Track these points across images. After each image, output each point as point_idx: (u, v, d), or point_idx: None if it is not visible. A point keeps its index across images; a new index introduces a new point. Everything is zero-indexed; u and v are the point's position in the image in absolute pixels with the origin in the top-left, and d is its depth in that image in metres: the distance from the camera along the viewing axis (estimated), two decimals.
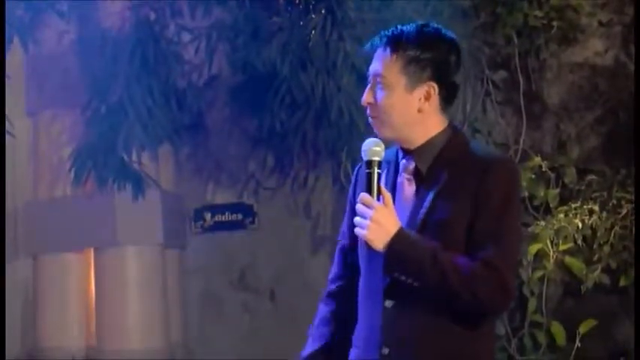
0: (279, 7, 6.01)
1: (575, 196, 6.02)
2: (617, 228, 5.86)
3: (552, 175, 6.07)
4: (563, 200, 6.03)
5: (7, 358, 6.52)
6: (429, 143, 3.36)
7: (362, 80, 5.75)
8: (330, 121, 5.84)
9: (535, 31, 6.13)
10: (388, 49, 3.33)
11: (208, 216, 6.69)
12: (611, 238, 5.86)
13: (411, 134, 3.36)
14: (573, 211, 5.91)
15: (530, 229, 5.92)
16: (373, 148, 3.28)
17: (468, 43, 6.03)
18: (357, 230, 3.25)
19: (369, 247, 3.24)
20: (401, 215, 3.27)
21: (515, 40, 6.18)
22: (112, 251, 6.67)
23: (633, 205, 5.83)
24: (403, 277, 3.22)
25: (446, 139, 3.37)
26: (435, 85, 3.32)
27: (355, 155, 5.85)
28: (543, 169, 6.02)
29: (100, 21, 6.44)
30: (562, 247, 5.86)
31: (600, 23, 6.19)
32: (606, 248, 5.87)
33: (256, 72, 5.96)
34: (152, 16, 6.27)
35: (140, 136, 6.21)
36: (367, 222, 3.21)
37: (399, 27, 3.36)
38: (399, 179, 3.37)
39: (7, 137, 5.99)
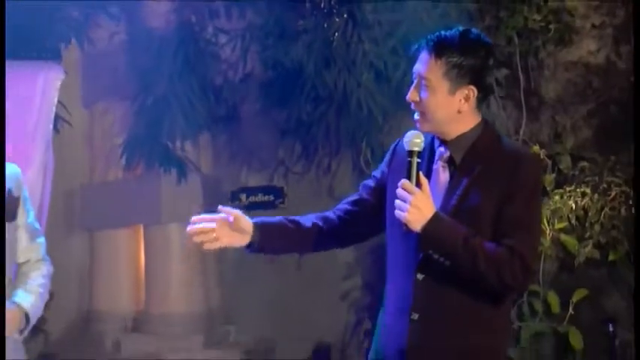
0: (305, 11, 5.96)
1: (570, 180, 5.96)
2: (606, 209, 5.82)
3: (549, 162, 5.97)
4: (559, 184, 5.96)
5: (64, 320, 6.62)
6: (464, 136, 3.35)
7: (379, 77, 5.84)
8: (350, 113, 5.79)
9: (534, 32, 6.04)
10: (433, 54, 3.29)
11: (244, 197, 6.66)
12: (602, 217, 5.82)
13: (449, 129, 3.34)
14: (568, 194, 5.88)
15: None
16: (414, 140, 3.26)
17: None
18: (397, 212, 3.22)
19: (405, 227, 3.22)
20: (435, 199, 3.27)
21: (516, 40, 6.09)
22: (158, 228, 6.67)
23: (621, 188, 5.79)
24: (436, 256, 3.24)
25: (479, 133, 3.36)
26: (474, 88, 3.30)
27: (373, 144, 5.85)
28: (541, 157, 5.95)
29: (147, 23, 6.42)
30: (557, 226, 5.82)
31: (593, 25, 6.11)
32: (597, 227, 5.83)
33: (285, 69, 5.96)
34: (193, 18, 6.29)
35: (182, 126, 6.25)
36: (407, 206, 3.20)
37: (442, 32, 3.32)
38: (434, 166, 3.36)
39: (65, 126, 5.98)
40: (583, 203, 5.85)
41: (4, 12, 3.95)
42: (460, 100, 3.30)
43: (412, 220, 3.20)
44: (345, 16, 5.89)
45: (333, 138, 6.07)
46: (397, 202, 3.22)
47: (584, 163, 5.98)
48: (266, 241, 3.43)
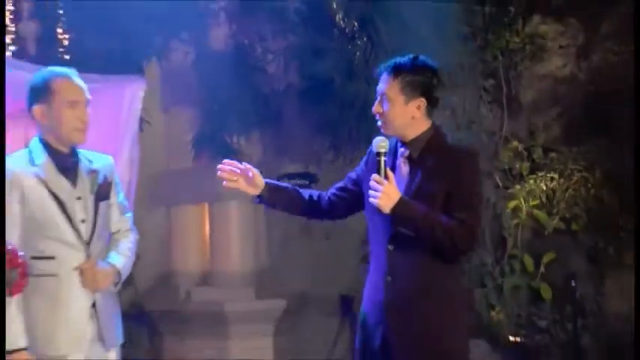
0: (333, 35, 5.98)
1: (541, 167, 6.02)
2: (570, 190, 5.87)
3: (525, 154, 6.05)
4: (532, 170, 6.03)
5: (147, 276, 6.66)
6: (419, 137, 3.43)
7: None
8: (367, 117, 5.66)
9: (514, 51, 6.13)
10: (391, 75, 3.42)
11: (285, 181, 6.63)
12: (566, 197, 5.87)
13: (406, 132, 3.44)
14: (540, 178, 5.94)
15: (509, 191, 5.99)
16: (380, 144, 3.37)
17: (467, 60, 6.01)
18: (371, 200, 3.32)
19: (379, 211, 3.32)
20: (400, 187, 3.36)
21: (500, 57, 6.16)
22: (219, 205, 6.65)
23: (582, 174, 5.84)
24: (403, 230, 3.34)
25: (430, 134, 3.44)
26: (424, 100, 3.41)
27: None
28: (519, 149, 6.02)
29: (211, 45, 6.40)
30: (531, 203, 5.88)
31: (560, 46, 6.19)
32: (562, 204, 5.89)
33: (317, 81, 5.97)
34: (246, 41, 6.29)
35: (238, 126, 6.27)
36: (379, 194, 3.29)
37: (398, 59, 3.43)
38: (397, 162, 3.45)
39: (147, 126, 5.99)
40: (552, 186, 5.90)
41: (4, 12, 3.79)
42: (413, 110, 3.39)
43: (383, 205, 3.29)
44: (365, 39, 5.91)
45: (354, 135, 6.02)
46: (370, 191, 3.32)
47: (553, 154, 6.03)
48: (271, 197, 3.56)
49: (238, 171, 3.52)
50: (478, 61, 6.19)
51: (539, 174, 5.93)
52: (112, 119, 4.91)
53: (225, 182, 3.54)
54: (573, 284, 5.63)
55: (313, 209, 3.66)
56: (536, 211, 5.88)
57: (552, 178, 5.89)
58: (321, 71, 5.80)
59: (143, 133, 5.63)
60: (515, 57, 6.12)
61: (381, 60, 5.75)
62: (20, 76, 4.43)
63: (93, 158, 3.58)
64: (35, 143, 3.51)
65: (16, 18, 5.84)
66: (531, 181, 5.90)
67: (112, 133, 4.88)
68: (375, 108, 3.48)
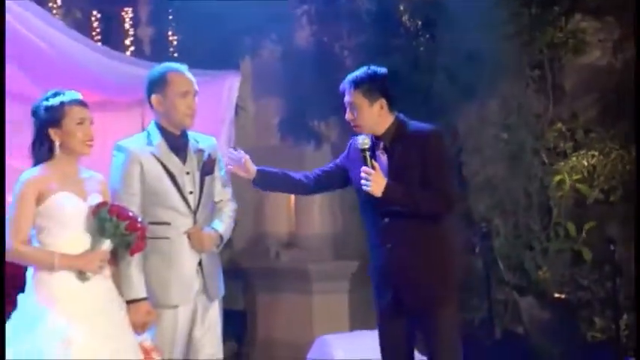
0: (400, 33, 5.93)
1: (583, 146, 5.87)
2: (608, 166, 5.73)
3: (568, 134, 5.91)
4: (575, 149, 5.88)
5: (243, 239, 6.71)
6: (388, 130, 3.56)
7: (452, 77, 5.81)
8: (430, 102, 5.72)
9: (558, 45, 5.94)
10: (352, 87, 3.57)
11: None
12: (605, 172, 5.73)
13: (377, 128, 3.56)
14: (582, 156, 5.80)
15: (554, 167, 5.89)
16: (364, 141, 3.51)
17: (516, 54, 5.91)
18: (363, 187, 3.44)
19: (370, 195, 3.45)
20: (383, 173, 3.48)
21: (545, 51, 5.98)
22: None
23: (618, 151, 5.69)
24: (393, 207, 3.47)
25: (396, 125, 3.57)
26: (384, 100, 3.55)
27: (445, 122, 5.77)
28: (562, 130, 5.91)
29: (295, 43, 6.40)
30: (574, 178, 5.76)
31: (599, 40, 5.99)
32: (602, 178, 5.74)
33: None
34: (325, 39, 6.27)
35: (318, 112, 6.24)
36: (370, 182, 3.43)
37: (355, 73, 3.59)
38: (377, 152, 3.56)
39: (242, 112, 6.02)
40: (592, 162, 5.78)
41: (4, 12, 3.77)
42: (378, 110, 3.53)
43: (374, 191, 3.43)
44: (427, 36, 5.87)
45: (419, 119, 5.96)
46: (362, 181, 3.45)
47: (593, 134, 5.89)
48: (262, 181, 3.70)
49: (241, 158, 3.66)
50: (525, 55, 6.05)
51: (581, 152, 5.80)
52: (214, 106, 4.99)
53: (228, 166, 3.69)
54: (612, 248, 5.49)
55: (301, 188, 3.82)
56: (578, 185, 5.75)
57: (593, 156, 5.76)
58: (389, 65, 5.65)
59: (238, 118, 5.72)
60: (559, 50, 5.98)
61: (441, 55, 5.86)
62: (137, 71, 4.53)
63: (199, 139, 3.62)
64: (152, 127, 3.57)
65: (135, 24, 5.96)
66: (574, 158, 5.79)
67: (212, 118, 4.96)
68: (348, 116, 3.60)
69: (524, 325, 5.90)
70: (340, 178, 3.74)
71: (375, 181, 3.42)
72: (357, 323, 6.08)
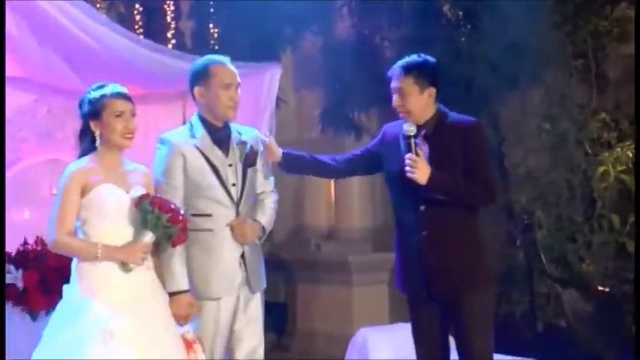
0: (441, 24, 5.86)
1: (627, 137, 5.70)
2: None
3: (612, 124, 5.77)
4: (619, 139, 5.74)
5: (283, 230, 6.72)
6: (431, 119, 3.55)
7: (493, 68, 5.71)
8: (472, 92, 5.64)
9: (602, 34, 5.82)
10: (403, 73, 3.54)
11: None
12: None
13: (421, 117, 3.55)
14: (626, 147, 5.64)
15: (598, 158, 5.76)
16: (410, 128, 3.49)
17: (559, 43, 5.80)
18: (408, 174, 3.42)
19: (410, 182, 3.42)
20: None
21: (589, 40, 5.86)
22: None
23: None
24: (436, 194, 3.46)
25: (439, 115, 3.57)
26: (433, 89, 3.55)
27: (488, 111, 5.71)
28: (607, 121, 5.78)
29: (336, 35, 6.38)
30: (619, 169, 5.62)
31: None
32: None
33: None
34: (366, 31, 6.23)
35: (358, 103, 6.20)
36: (415, 170, 3.41)
37: (407, 59, 3.58)
38: (417, 141, 3.51)
39: (282, 104, 5.99)
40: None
41: (4, 12, 3.74)
42: (426, 98, 3.53)
43: (419, 178, 3.41)
44: (469, 26, 5.79)
45: (461, 110, 5.93)
46: (407, 167, 3.43)
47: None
48: (289, 164, 3.67)
49: (263, 142, 3.62)
50: (568, 44, 5.93)
51: (626, 143, 5.65)
52: (255, 99, 4.99)
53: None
54: None
55: (328, 171, 3.83)
56: (622, 176, 5.60)
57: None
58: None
59: (278, 110, 5.70)
60: (603, 39, 5.84)
61: (482, 44, 5.78)
62: (180, 64, 4.55)
63: (242, 131, 3.61)
64: (195, 119, 3.56)
65: (176, 17, 5.98)
66: (618, 149, 5.64)
67: (254, 110, 4.96)
68: (396, 102, 3.57)
69: (567, 318, 5.82)
70: (371, 164, 3.72)
71: (420, 168, 3.40)
72: (397, 314, 6.06)
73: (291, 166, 3.71)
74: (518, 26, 5.51)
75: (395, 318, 6.05)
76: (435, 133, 3.53)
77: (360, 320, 6.08)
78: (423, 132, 3.53)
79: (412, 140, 3.45)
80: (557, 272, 5.84)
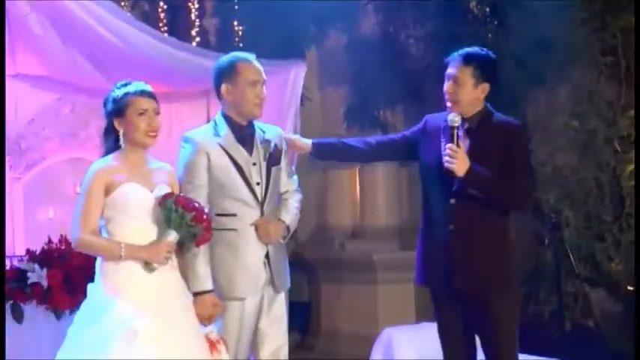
0: (468, 20, 5.80)
1: None
2: None
3: None
4: None
5: (307, 229, 6.68)
6: (477, 114, 3.50)
7: (520, 65, 5.62)
8: (499, 88, 5.49)
9: (631, 30, 5.64)
10: (463, 62, 3.49)
11: None
12: None
13: (468, 110, 3.49)
14: None
15: (628, 155, 5.72)
16: (454, 119, 3.42)
17: (587, 40, 5.71)
18: (446, 165, 3.38)
19: (444, 172, 3.39)
20: None
21: (619, 36, 5.75)
22: (368, 167, 6.50)
23: None
24: (470, 189, 3.40)
25: (485, 112, 3.52)
26: (488, 85, 3.50)
27: (515, 107, 5.60)
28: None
29: (361, 32, 6.34)
30: None
31: None
32: None
33: None
34: (391, 29, 6.21)
35: (383, 101, 6.20)
36: (454, 160, 3.36)
37: (468, 49, 3.54)
38: (459, 133, 3.45)
39: (307, 102, 5.95)
40: None
41: (4, 12, 3.69)
42: (479, 92, 3.48)
43: (457, 169, 3.36)
44: (496, 23, 5.73)
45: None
46: (445, 158, 3.38)
47: None
48: (318, 153, 3.65)
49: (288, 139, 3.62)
50: (597, 41, 5.84)
51: None
52: (280, 96, 4.96)
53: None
54: None
55: (360, 155, 3.75)
56: None
57: None
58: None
59: (304, 107, 5.67)
60: (632, 35, 5.70)
61: (509, 41, 5.70)
62: (204, 62, 4.53)
63: (266, 129, 3.57)
64: (219, 117, 3.53)
65: (200, 14, 5.98)
66: None
67: (279, 108, 4.93)
68: (447, 88, 3.51)
69: (595, 318, 5.74)
70: (405, 151, 3.67)
71: (459, 159, 3.35)
72: (423, 313, 6.00)
73: (323, 153, 3.69)
74: (545, 23, 5.44)
75: (421, 317, 6.00)
76: (479, 128, 3.48)
77: (385, 320, 6.03)
78: (466, 125, 3.48)
79: (455, 131, 3.39)
80: (586, 271, 5.76)
